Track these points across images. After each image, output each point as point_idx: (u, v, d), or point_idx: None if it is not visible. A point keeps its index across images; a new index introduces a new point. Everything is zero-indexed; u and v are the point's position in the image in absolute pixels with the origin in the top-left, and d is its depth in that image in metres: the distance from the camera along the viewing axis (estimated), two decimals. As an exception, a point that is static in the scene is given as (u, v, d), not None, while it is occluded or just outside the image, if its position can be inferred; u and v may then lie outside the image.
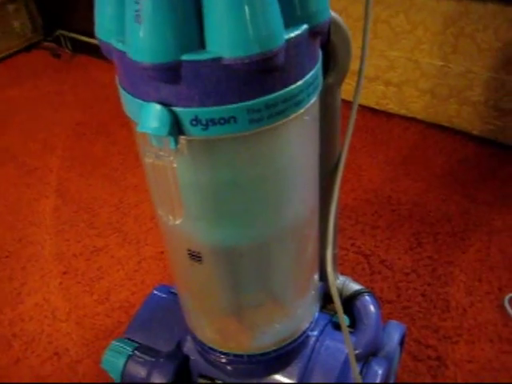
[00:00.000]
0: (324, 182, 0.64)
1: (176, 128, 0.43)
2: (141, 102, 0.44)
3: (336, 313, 0.77)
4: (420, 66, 1.43)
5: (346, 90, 0.64)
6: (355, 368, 0.66)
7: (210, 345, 0.70)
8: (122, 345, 0.77)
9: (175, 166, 0.45)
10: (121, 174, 1.49)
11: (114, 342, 0.78)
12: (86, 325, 1.08)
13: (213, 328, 0.69)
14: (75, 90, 1.94)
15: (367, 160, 1.43)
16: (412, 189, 1.32)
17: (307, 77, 0.47)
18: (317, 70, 0.49)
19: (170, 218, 0.49)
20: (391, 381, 0.85)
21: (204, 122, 0.43)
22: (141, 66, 0.41)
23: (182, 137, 0.44)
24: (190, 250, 0.56)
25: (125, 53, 0.42)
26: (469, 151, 1.43)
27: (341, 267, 0.90)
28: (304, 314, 0.70)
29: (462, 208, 1.26)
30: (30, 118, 1.81)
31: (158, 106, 0.43)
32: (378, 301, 0.82)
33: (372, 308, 0.79)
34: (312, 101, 0.50)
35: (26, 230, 1.33)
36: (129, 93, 0.46)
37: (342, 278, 0.83)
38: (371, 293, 0.82)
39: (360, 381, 0.67)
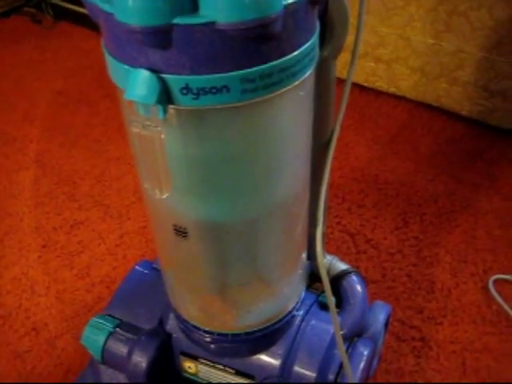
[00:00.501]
0: (315, 159, 0.62)
1: (165, 96, 0.41)
2: (128, 67, 0.42)
3: (322, 292, 0.76)
4: (411, 44, 1.41)
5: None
6: (342, 349, 0.65)
7: (194, 323, 0.69)
8: (102, 321, 0.76)
9: (163, 136, 0.42)
10: (103, 146, 1.45)
11: (94, 318, 0.77)
12: (66, 300, 1.06)
13: (197, 306, 0.68)
14: (56, 58, 1.89)
15: (354, 138, 1.41)
16: (399, 168, 1.31)
17: (304, 47, 0.45)
18: (314, 40, 0.47)
19: (157, 191, 0.47)
20: (375, 362, 0.85)
21: (195, 91, 0.41)
22: (129, 28, 0.38)
23: (171, 106, 0.42)
24: (175, 226, 0.55)
25: (112, 14, 0.40)
26: (457, 132, 1.42)
27: (326, 246, 0.88)
28: (290, 293, 0.69)
29: (448, 189, 1.25)
30: (9, 86, 1.75)
31: (146, 73, 0.40)
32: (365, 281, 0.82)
33: (359, 288, 0.78)
34: (308, 73, 0.48)
35: (5, 201, 1.30)
36: (115, 58, 0.43)
37: (329, 257, 0.82)
38: (358, 272, 0.81)
39: (347, 361, 0.66)
